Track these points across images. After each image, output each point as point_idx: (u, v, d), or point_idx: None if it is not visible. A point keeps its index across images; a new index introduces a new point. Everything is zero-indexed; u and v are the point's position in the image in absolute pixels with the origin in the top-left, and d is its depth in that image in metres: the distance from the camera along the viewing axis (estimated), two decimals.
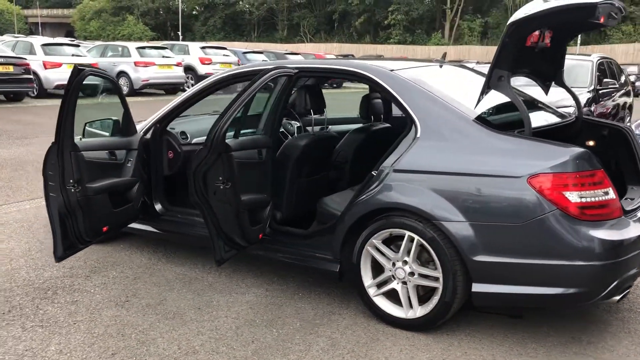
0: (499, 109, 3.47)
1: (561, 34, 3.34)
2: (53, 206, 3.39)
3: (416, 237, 3.08)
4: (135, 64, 16.42)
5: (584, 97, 8.35)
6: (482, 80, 4.08)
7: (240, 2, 63.49)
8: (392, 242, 3.26)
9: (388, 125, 4.67)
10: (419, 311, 3.16)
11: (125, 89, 16.72)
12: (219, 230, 3.28)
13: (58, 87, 14.97)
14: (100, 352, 2.98)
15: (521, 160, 2.88)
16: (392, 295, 3.29)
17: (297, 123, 5.23)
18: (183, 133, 4.50)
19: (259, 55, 22.02)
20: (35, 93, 14.77)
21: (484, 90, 3.11)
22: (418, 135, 3.16)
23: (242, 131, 3.63)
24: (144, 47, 17.52)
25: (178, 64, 17.31)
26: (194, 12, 67.42)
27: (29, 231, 4.96)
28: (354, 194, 3.38)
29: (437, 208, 2.99)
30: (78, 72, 3.28)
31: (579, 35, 41.99)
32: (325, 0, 59.18)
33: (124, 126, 4.03)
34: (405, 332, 3.20)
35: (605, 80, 9.25)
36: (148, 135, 4.26)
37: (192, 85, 18.90)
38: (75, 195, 3.42)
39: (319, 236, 3.57)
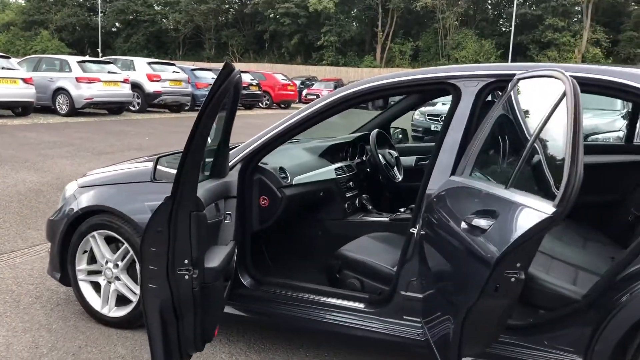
0: None
1: None
2: (152, 304, 1.98)
3: None
4: (78, 79, 14.38)
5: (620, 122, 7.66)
6: None
7: (165, 20, 61.18)
8: None
9: None
10: None
11: (64, 108, 14.73)
12: (464, 338, 1.97)
13: None
14: None
15: None
16: None
17: (395, 152, 4.00)
18: (281, 170, 3.14)
19: (207, 72, 20.43)
20: None
21: None
22: None
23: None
24: (85, 61, 15.51)
25: (125, 81, 15.43)
26: (113, 29, 64.28)
27: (18, 308, 3.41)
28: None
29: None
30: (229, 72, 1.92)
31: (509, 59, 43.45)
32: (255, 20, 58.11)
33: (219, 162, 2.64)
34: None
35: None
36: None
37: (139, 104, 17.08)
38: (190, 284, 2.02)
39: (553, 329, 2.35)
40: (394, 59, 51.87)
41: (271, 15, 55.05)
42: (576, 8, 46.81)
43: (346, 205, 3.63)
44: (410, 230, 2.59)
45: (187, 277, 2.04)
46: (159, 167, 2.64)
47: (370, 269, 2.92)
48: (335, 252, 3.10)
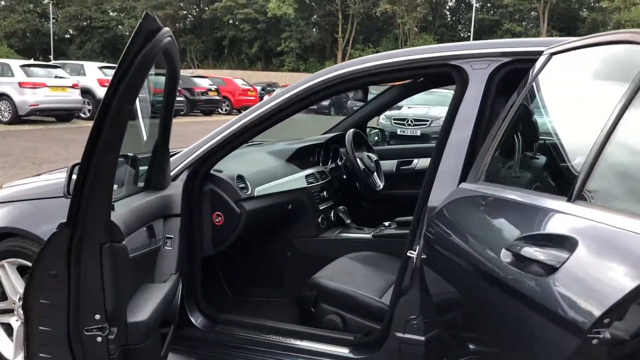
0: None
1: None
2: None
3: None
4: (21, 84, 13.33)
5: None
6: None
7: (121, 26, 59.61)
8: None
9: None
10: None
11: (6, 116, 13.69)
12: None
13: None
14: None
15: None
16: None
17: (374, 155, 3.44)
18: (240, 178, 2.53)
19: (161, 77, 19.51)
20: None
21: None
22: None
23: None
24: (30, 65, 14.49)
25: (74, 86, 14.44)
26: (66, 36, 62.40)
27: None
28: None
29: None
30: (153, 31, 1.32)
31: None
32: (213, 26, 57.17)
33: (157, 170, 2.01)
34: None
35: None
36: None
37: (90, 111, 16.12)
38: (106, 348, 1.39)
39: None
40: None
41: (230, 21, 54.37)
42: (533, 13, 47.62)
43: (320, 220, 3.03)
44: (408, 254, 2.01)
45: (99, 339, 1.41)
46: (75, 177, 2.00)
47: (353, 302, 2.33)
48: (308, 279, 2.51)
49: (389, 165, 3.62)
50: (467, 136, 1.96)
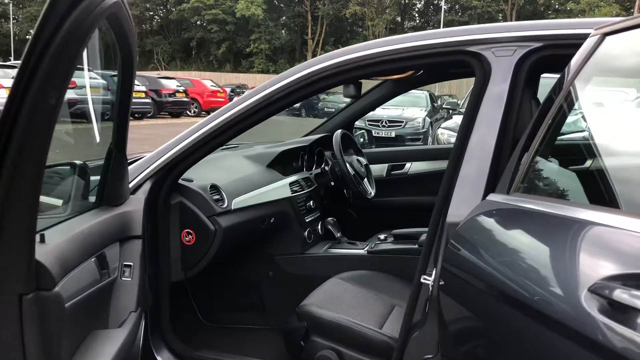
0: None
1: None
2: None
3: None
4: None
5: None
6: None
7: None
8: None
9: None
10: None
11: None
12: None
13: None
14: None
15: None
16: None
17: (364, 159, 3.09)
18: (214, 189, 2.15)
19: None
20: None
21: None
22: None
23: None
24: None
25: None
26: (28, 37, 60.81)
27: None
28: None
29: None
30: None
31: None
32: (181, 27, 56.31)
33: (111, 181, 1.62)
34: None
35: None
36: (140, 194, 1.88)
37: None
38: None
39: None
40: None
41: (198, 22, 53.69)
42: (500, 15, 48.20)
43: (306, 234, 2.66)
44: (421, 280, 1.66)
45: None
46: None
47: (351, 334, 1.97)
48: (294, 303, 2.14)
49: (378, 169, 3.28)
50: (493, 138, 1.62)
